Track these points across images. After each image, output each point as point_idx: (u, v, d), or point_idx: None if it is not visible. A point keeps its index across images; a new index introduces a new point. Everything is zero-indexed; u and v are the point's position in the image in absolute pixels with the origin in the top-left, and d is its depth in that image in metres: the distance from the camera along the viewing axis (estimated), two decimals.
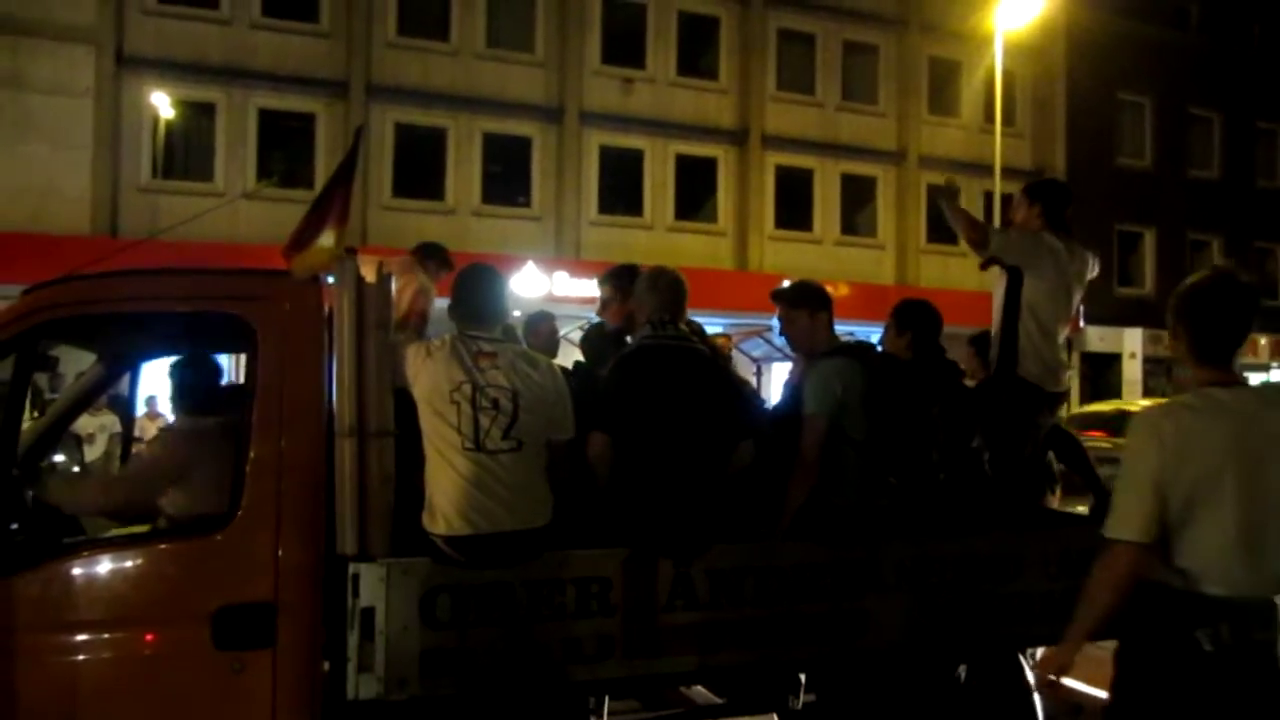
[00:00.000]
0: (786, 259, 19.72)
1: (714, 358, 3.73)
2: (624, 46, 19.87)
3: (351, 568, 3.06)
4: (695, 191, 20.48)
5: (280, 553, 3.09)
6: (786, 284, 4.39)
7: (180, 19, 16.97)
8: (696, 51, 20.60)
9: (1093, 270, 4.53)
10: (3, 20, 15.60)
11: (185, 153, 17.42)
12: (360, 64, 17.84)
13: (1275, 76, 25.68)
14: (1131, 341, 23.53)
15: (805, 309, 3.96)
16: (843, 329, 4.55)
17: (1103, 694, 3.08)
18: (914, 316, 4.57)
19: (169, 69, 16.65)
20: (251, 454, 3.13)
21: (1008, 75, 19.98)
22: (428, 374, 3.24)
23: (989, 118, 19.84)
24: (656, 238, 19.73)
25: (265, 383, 3.20)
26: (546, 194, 19.27)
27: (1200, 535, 2.49)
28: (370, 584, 3.05)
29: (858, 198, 21.85)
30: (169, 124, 16.98)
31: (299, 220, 3.46)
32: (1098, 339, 23.22)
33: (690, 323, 4.02)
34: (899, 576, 3.71)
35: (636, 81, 19.92)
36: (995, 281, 4.51)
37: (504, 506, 3.16)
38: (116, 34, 16.44)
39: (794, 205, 21.08)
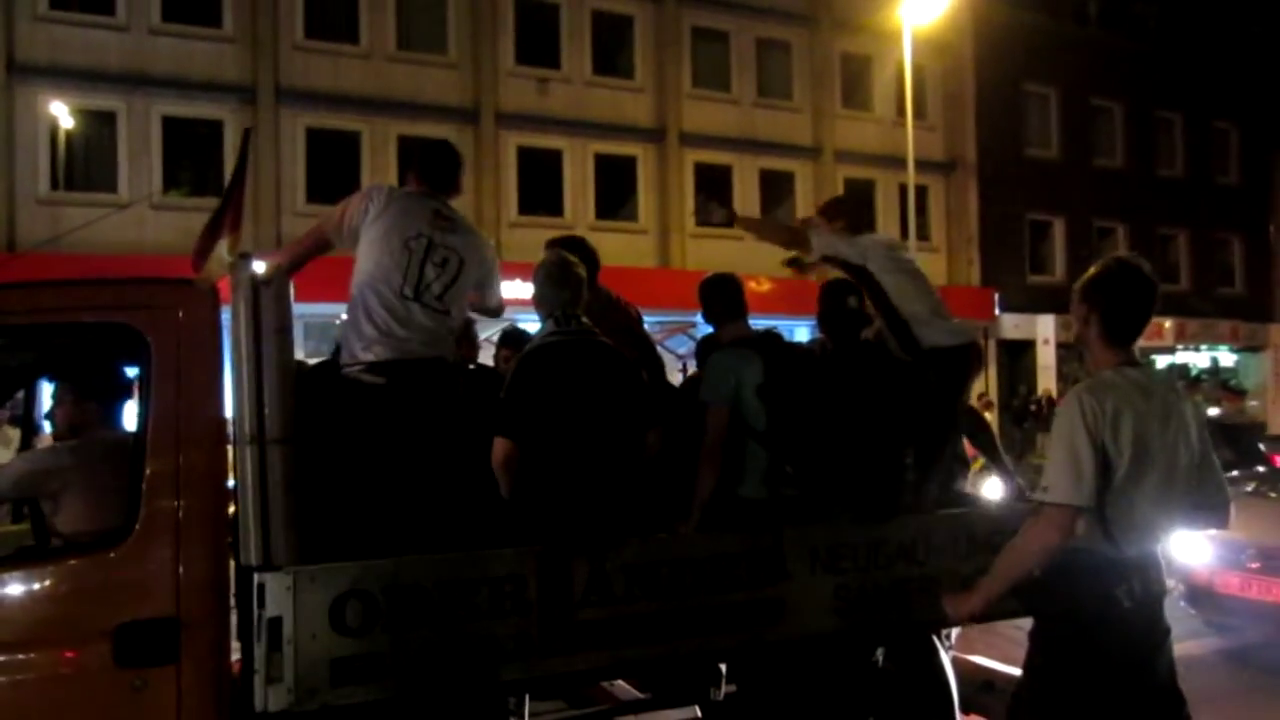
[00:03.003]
0: (708, 255, 19.76)
1: (618, 349, 3.72)
2: (538, 47, 19.75)
3: (256, 578, 3.00)
4: (615, 190, 20.46)
5: (181, 568, 3.01)
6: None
7: (74, 25, 16.33)
8: (612, 50, 20.59)
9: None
10: None
11: (86, 163, 16.78)
12: (268, 68, 17.40)
13: (1171, 67, 26.74)
14: (1044, 328, 24.11)
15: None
16: (765, 323, 4.60)
17: (1014, 670, 3.19)
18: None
19: (65, 77, 16.02)
20: (146, 468, 3.04)
21: (918, 69, 20.38)
22: (388, 217, 3.47)
23: (901, 112, 20.19)
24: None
25: (160, 393, 3.11)
26: (465, 196, 18.97)
27: (1134, 501, 2.67)
28: (276, 593, 2.98)
29: (776, 193, 22.07)
30: (68, 134, 16.34)
31: (201, 230, 3.41)
32: (1012, 326, 23.83)
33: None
34: (811, 564, 3.74)
35: (552, 82, 19.82)
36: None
37: (423, 345, 3.47)
38: (6, 41, 15.78)
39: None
